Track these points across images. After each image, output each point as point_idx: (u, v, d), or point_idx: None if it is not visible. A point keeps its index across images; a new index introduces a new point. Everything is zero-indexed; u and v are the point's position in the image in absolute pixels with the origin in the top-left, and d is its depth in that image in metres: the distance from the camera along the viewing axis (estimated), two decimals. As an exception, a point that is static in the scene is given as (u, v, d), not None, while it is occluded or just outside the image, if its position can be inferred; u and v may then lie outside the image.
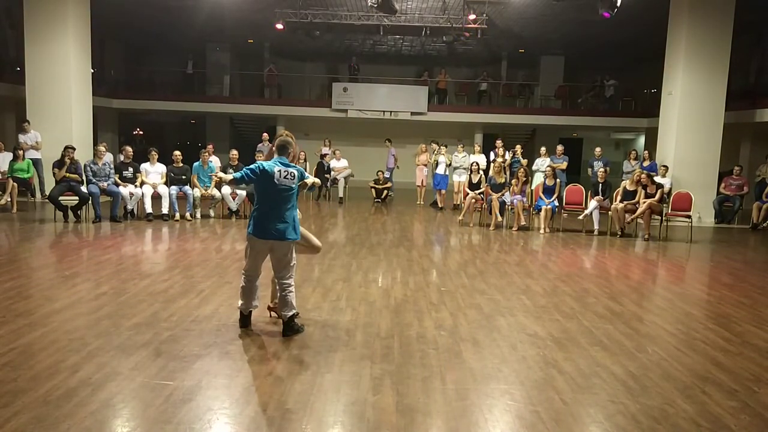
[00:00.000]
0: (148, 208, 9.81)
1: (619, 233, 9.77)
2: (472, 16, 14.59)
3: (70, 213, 9.54)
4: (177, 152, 10.58)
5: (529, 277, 6.58)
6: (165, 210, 9.90)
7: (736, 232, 11.17)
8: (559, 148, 13.03)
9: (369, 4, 12.59)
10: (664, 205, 10.19)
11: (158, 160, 10.29)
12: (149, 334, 4.24)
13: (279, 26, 15.20)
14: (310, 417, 3.08)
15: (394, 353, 4.03)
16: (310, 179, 4.45)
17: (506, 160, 12.87)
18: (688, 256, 8.58)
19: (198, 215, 10.31)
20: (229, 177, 4.46)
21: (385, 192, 14.43)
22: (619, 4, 10.81)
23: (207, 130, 22.12)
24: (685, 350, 4.31)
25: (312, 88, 22.18)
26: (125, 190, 9.78)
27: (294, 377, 3.59)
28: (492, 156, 13.13)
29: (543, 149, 13.11)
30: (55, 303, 4.95)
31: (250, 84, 22.05)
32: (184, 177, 10.33)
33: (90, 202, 9.50)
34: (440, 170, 13.49)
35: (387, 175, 14.86)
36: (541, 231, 10.00)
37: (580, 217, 10.32)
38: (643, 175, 9.92)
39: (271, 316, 4.72)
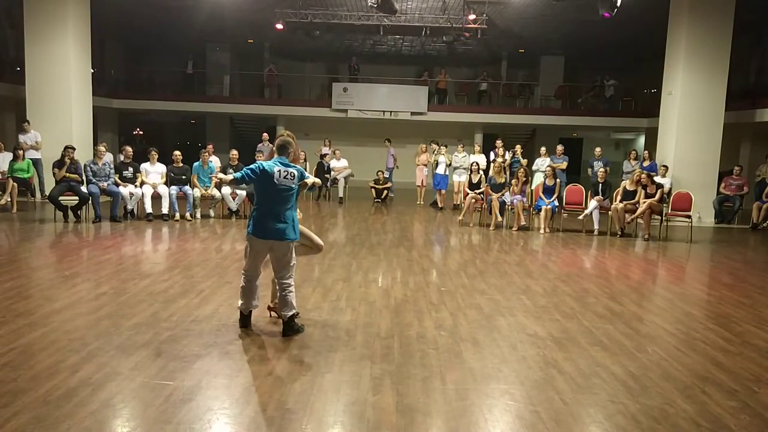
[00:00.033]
0: (148, 208, 9.81)
1: (619, 233, 9.77)
2: (472, 16, 14.60)
3: (70, 213, 9.54)
4: (177, 152, 10.58)
5: (529, 277, 6.58)
6: (165, 210, 9.90)
7: (736, 232, 11.17)
8: (559, 148, 13.03)
9: (369, 4, 12.59)
10: (664, 205, 10.19)
11: (158, 160, 10.29)
12: (149, 334, 4.24)
13: (279, 26, 15.20)
14: (310, 417, 3.08)
15: (394, 353, 4.03)
16: (311, 179, 4.44)
17: (506, 160, 12.87)
18: (688, 256, 8.58)
19: (198, 215, 10.31)
20: (230, 177, 4.46)
21: (385, 192, 14.43)
22: (619, 4, 10.82)
23: (207, 130, 22.12)
24: (685, 350, 4.31)
25: (312, 88, 22.18)
26: (125, 190, 9.79)
27: (294, 377, 3.59)
28: (492, 156, 13.14)
29: (543, 149, 13.12)
30: (55, 303, 4.95)
31: (250, 84, 22.05)
32: (184, 177, 10.33)
33: (90, 202, 9.50)
34: (440, 170, 13.50)
35: (386, 175, 14.86)
36: (541, 231, 10.00)
37: (580, 217, 10.32)
38: (643, 175, 9.92)
39: (271, 316, 4.72)
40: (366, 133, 20.20)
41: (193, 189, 10.25)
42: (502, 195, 10.40)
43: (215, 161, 11.55)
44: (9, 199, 10.55)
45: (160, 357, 3.81)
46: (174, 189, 10.08)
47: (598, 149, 12.95)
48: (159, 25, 17.73)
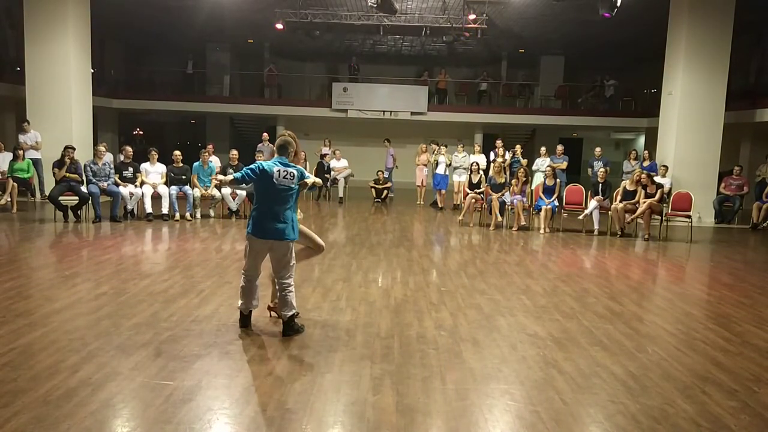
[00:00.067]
0: (148, 208, 9.81)
1: (619, 233, 9.77)
2: (472, 16, 14.60)
3: (70, 213, 9.54)
4: (177, 152, 10.58)
5: (529, 277, 6.58)
6: (165, 210, 9.90)
7: (736, 232, 11.17)
8: (559, 148, 13.04)
9: (369, 4, 12.60)
10: (664, 205, 10.19)
11: (158, 160, 10.29)
12: (149, 334, 4.24)
13: (279, 26, 15.20)
14: (310, 417, 3.08)
15: (394, 353, 4.03)
16: (311, 179, 4.43)
17: (506, 160, 12.87)
18: (688, 256, 8.58)
19: (198, 215, 10.31)
20: (229, 178, 4.46)
21: (385, 192, 14.43)
22: (619, 4, 10.82)
23: (207, 130, 22.12)
24: (685, 350, 4.31)
25: (312, 88, 22.18)
26: (125, 190, 9.79)
27: (294, 377, 3.59)
28: (492, 156, 13.14)
29: (543, 149, 13.12)
30: (55, 303, 4.95)
31: (250, 84, 22.05)
32: (184, 177, 10.33)
33: (90, 202, 9.50)
34: (440, 170, 13.50)
35: (386, 175, 14.86)
36: (541, 231, 10.00)
37: (580, 217, 10.32)
38: (643, 175, 9.92)
39: (271, 316, 4.72)
40: (366, 133, 20.20)
41: (193, 189, 10.25)
42: (502, 195, 10.41)
43: (215, 161, 11.56)
44: (9, 199, 10.55)
45: (160, 357, 3.81)
46: (174, 189, 10.08)
47: (598, 149, 12.95)
48: (159, 25, 17.73)
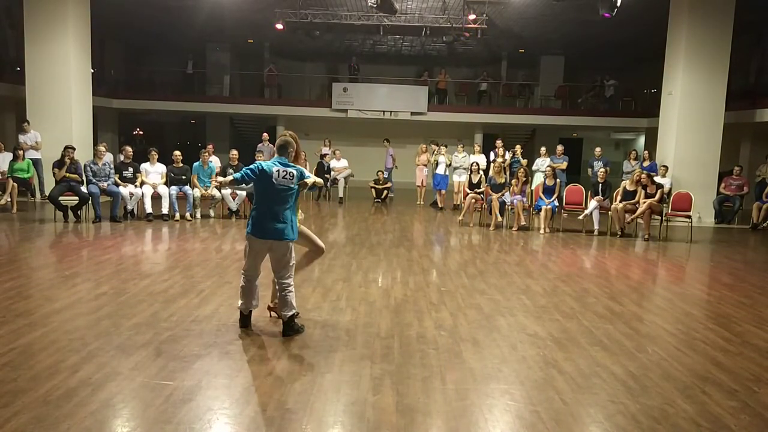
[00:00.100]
0: (148, 208, 9.81)
1: (619, 233, 9.77)
2: (472, 16, 14.60)
3: (70, 213, 9.54)
4: (177, 152, 10.58)
5: (529, 277, 6.58)
6: (165, 210, 9.90)
7: (736, 232, 11.17)
8: (559, 148, 13.04)
9: (369, 4, 12.59)
10: (664, 205, 10.19)
11: (158, 160, 10.29)
12: (149, 334, 4.24)
13: (279, 26, 15.20)
14: (310, 417, 3.08)
15: (394, 353, 4.03)
16: (311, 179, 4.43)
17: (506, 160, 12.87)
18: (688, 256, 8.58)
19: (198, 215, 10.31)
20: (229, 179, 4.46)
21: (385, 192, 14.44)
22: (619, 4, 10.82)
23: (207, 130, 22.12)
24: (685, 350, 4.31)
25: (312, 88, 22.18)
26: (125, 190, 9.79)
27: (294, 377, 3.59)
28: (492, 156, 13.14)
29: (543, 149, 13.12)
30: (55, 303, 4.95)
31: (250, 84, 22.05)
32: (184, 177, 10.33)
33: (90, 202, 9.50)
34: (440, 170, 13.50)
35: (386, 175, 14.86)
36: (541, 231, 10.00)
37: (580, 217, 10.32)
38: (643, 175, 9.92)
39: (271, 316, 4.72)
40: (366, 133, 20.20)
41: (193, 189, 10.25)
42: (502, 195, 10.41)
43: (215, 161, 11.56)
44: (9, 199, 10.55)
45: (160, 357, 3.81)
46: (174, 189, 10.08)
47: (598, 149, 12.95)
48: (159, 25, 17.73)
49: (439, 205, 13.31)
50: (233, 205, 10.53)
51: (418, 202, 14.26)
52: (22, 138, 11.95)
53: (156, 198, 9.95)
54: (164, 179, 10.14)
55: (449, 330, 4.58)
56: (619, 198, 9.95)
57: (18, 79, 13.55)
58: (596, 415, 3.23)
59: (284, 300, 4.31)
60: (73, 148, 9.89)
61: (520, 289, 5.99)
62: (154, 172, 10.14)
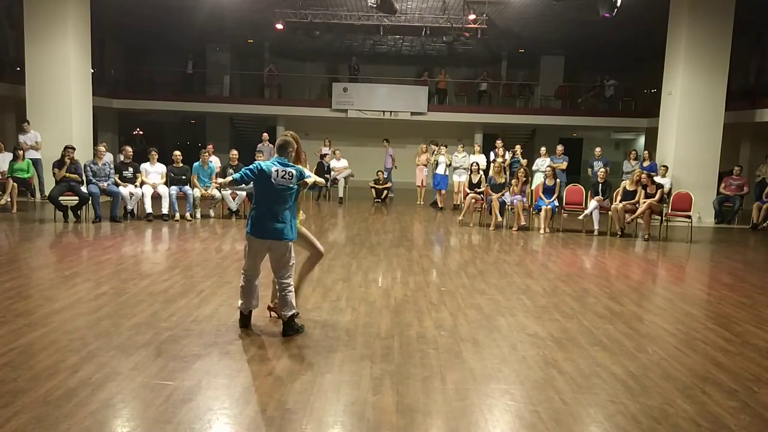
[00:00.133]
0: (148, 208, 9.81)
1: (619, 233, 9.77)
2: (472, 16, 14.60)
3: (70, 213, 9.54)
4: (177, 152, 10.58)
5: (529, 277, 6.58)
6: (165, 210, 9.90)
7: (736, 232, 11.17)
8: (559, 148, 13.04)
9: (369, 4, 12.59)
10: (664, 205, 10.19)
11: (158, 160, 10.29)
12: (149, 334, 4.24)
13: (279, 26, 15.20)
14: (310, 417, 3.08)
15: (394, 353, 4.03)
16: (311, 178, 4.43)
17: (506, 160, 12.87)
18: (688, 256, 8.58)
19: (198, 215, 10.31)
20: (228, 179, 4.46)
21: (385, 192, 14.44)
22: (619, 4, 10.81)
23: (207, 130, 22.12)
24: (685, 350, 4.31)
25: (312, 88, 22.17)
26: (125, 190, 9.79)
27: (294, 377, 3.59)
28: (492, 156, 13.14)
29: (543, 149, 13.12)
30: (55, 303, 4.95)
31: (250, 84, 22.05)
32: (184, 177, 10.33)
33: (90, 202, 9.50)
34: (440, 170, 13.50)
35: (385, 175, 14.87)
36: (541, 231, 10.00)
37: (580, 217, 10.32)
38: (643, 175, 9.92)
39: (271, 316, 4.72)
40: (366, 133, 20.20)
41: (193, 189, 10.25)
42: (502, 195, 10.41)
43: (215, 161, 11.56)
44: (9, 199, 10.55)
45: (160, 357, 3.81)
46: (174, 189, 10.08)
47: (598, 149, 12.95)
48: (159, 25, 17.73)
49: (439, 205, 13.31)
50: (233, 205, 10.53)
51: (418, 202, 14.27)
52: (22, 138, 11.95)
53: (156, 198, 9.95)
54: (164, 179, 10.14)
55: (449, 330, 4.58)
56: (619, 198, 9.95)
57: (18, 79, 13.55)
58: (596, 415, 3.23)
59: (284, 300, 4.31)
60: (73, 148, 9.89)
61: (520, 289, 5.99)
62: (154, 172, 10.14)
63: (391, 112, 19.31)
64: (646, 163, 12.31)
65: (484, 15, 14.65)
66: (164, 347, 3.98)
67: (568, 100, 20.82)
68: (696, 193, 10.40)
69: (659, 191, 9.83)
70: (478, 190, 11.07)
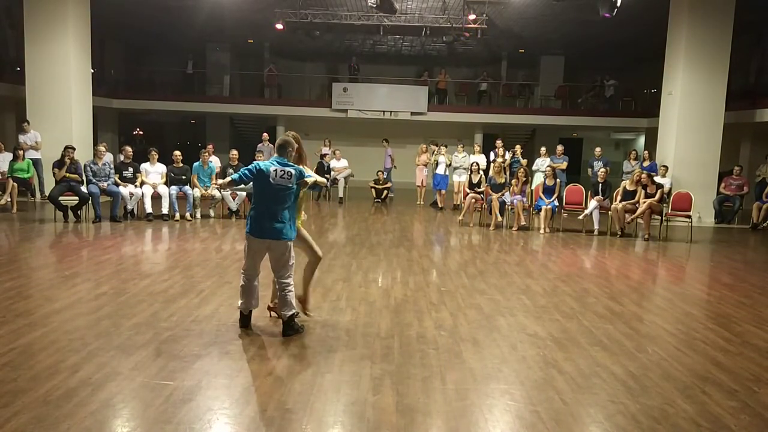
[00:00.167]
0: (148, 208, 9.81)
1: (619, 233, 9.77)
2: (472, 16, 14.60)
3: (70, 213, 9.54)
4: (177, 152, 10.58)
5: (529, 277, 6.58)
6: (165, 210, 9.91)
7: (736, 232, 11.17)
8: (559, 148, 13.04)
9: (369, 4, 12.60)
10: (664, 205, 10.19)
11: (158, 160, 10.29)
12: (149, 334, 4.24)
13: (279, 26, 15.20)
14: (310, 417, 3.08)
15: (394, 353, 4.03)
16: (312, 178, 4.42)
17: (506, 160, 12.87)
18: (688, 256, 8.58)
19: (198, 215, 10.31)
20: (228, 180, 4.45)
21: (385, 192, 14.44)
22: (619, 4, 10.82)
23: (207, 130, 22.12)
24: (685, 350, 4.31)
25: (312, 88, 22.18)
26: (125, 190, 9.79)
27: (294, 377, 3.59)
28: (492, 156, 13.14)
29: (543, 149, 13.13)
30: (55, 303, 4.95)
31: (250, 84, 22.05)
32: (184, 177, 10.33)
33: (90, 202, 9.50)
34: (440, 170, 13.50)
35: (385, 175, 14.87)
36: (541, 231, 10.00)
37: (580, 217, 10.32)
38: (643, 175, 9.92)
39: (271, 316, 4.72)
40: (366, 133, 20.19)
41: (193, 189, 10.25)
42: (502, 195, 10.41)
43: (215, 161, 11.56)
44: (9, 199, 10.55)
45: (160, 357, 3.81)
46: (174, 189, 10.08)
47: (598, 149, 12.96)
48: (159, 25, 17.73)
49: (439, 205, 13.31)
50: (233, 205, 10.53)
51: (418, 202, 14.27)
52: (22, 138, 11.95)
53: (156, 198, 9.95)
54: (164, 179, 10.14)
55: (449, 330, 4.58)
56: (619, 198, 9.95)
57: (18, 79, 13.55)
58: (596, 415, 3.23)
59: (284, 299, 4.31)
60: (73, 148, 9.89)
61: (520, 289, 5.99)
62: (154, 172, 10.14)
63: (391, 112, 19.31)
64: (646, 163, 12.31)
65: (484, 15, 14.65)
66: (164, 347, 3.98)
67: (568, 100, 20.82)
68: (696, 193, 10.40)
69: (659, 191, 9.83)
70: (478, 190, 11.07)
